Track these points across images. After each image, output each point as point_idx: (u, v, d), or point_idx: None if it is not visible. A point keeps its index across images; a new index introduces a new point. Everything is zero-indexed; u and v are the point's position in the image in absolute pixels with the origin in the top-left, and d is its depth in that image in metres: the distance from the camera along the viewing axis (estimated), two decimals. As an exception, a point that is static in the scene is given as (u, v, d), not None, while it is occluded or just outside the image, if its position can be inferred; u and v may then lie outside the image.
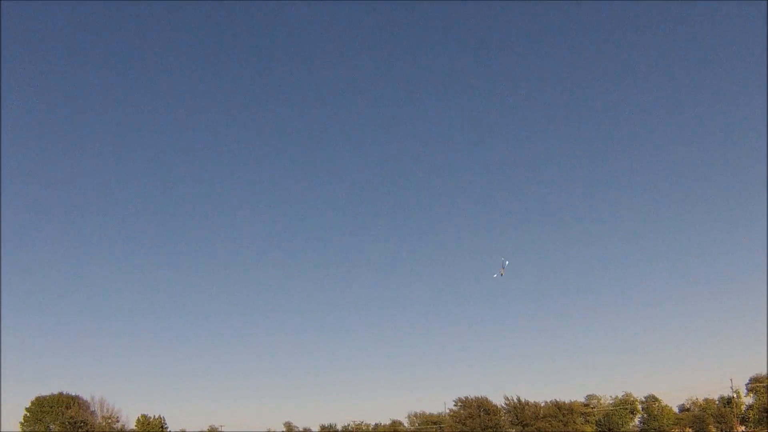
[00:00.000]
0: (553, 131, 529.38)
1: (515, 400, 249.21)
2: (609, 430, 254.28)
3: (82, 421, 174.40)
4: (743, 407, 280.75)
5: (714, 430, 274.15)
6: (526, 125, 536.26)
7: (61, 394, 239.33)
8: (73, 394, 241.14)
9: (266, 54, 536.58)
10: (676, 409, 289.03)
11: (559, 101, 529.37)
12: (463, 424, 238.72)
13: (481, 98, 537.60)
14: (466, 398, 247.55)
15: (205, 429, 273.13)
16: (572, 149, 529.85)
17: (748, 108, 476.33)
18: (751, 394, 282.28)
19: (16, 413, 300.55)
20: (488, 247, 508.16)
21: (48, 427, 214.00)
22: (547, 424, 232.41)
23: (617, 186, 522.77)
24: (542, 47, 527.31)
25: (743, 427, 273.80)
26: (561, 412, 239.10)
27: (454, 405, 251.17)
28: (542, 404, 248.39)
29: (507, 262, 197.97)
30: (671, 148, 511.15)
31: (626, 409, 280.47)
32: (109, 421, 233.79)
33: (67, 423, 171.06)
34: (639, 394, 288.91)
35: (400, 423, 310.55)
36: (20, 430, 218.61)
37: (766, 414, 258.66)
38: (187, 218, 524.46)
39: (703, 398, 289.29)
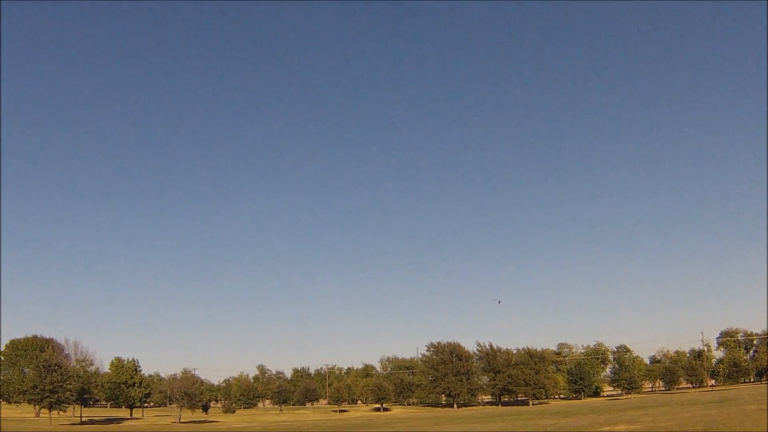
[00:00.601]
0: (553, 131, 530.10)
1: (487, 347, 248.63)
2: (580, 378, 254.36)
3: (56, 364, 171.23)
4: (714, 361, 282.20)
5: (684, 383, 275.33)
6: (526, 125, 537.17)
7: (35, 336, 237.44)
8: (47, 337, 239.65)
9: (266, 54, 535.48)
10: (647, 361, 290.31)
11: (559, 101, 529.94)
12: (436, 369, 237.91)
13: (480, 98, 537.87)
14: (439, 343, 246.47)
15: (179, 372, 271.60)
16: (572, 149, 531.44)
17: (748, 108, 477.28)
18: (722, 348, 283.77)
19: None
20: (464, 199, 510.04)
21: (22, 370, 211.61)
22: (518, 371, 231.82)
23: (605, 165, 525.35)
24: (542, 47, 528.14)
25: (713, 381, 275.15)
26: (533, 359, 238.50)
27: (427, 350, 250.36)
28: (514, 351, 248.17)
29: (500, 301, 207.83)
30: (671, 148, 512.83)
31: (597, 358, 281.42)
32: (83, 363, 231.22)
33: (41, 366, 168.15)
34: (610, 344, 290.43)
35: (373, 367, 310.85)
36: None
37: (735, 369, 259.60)
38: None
39: (674, 350, 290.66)
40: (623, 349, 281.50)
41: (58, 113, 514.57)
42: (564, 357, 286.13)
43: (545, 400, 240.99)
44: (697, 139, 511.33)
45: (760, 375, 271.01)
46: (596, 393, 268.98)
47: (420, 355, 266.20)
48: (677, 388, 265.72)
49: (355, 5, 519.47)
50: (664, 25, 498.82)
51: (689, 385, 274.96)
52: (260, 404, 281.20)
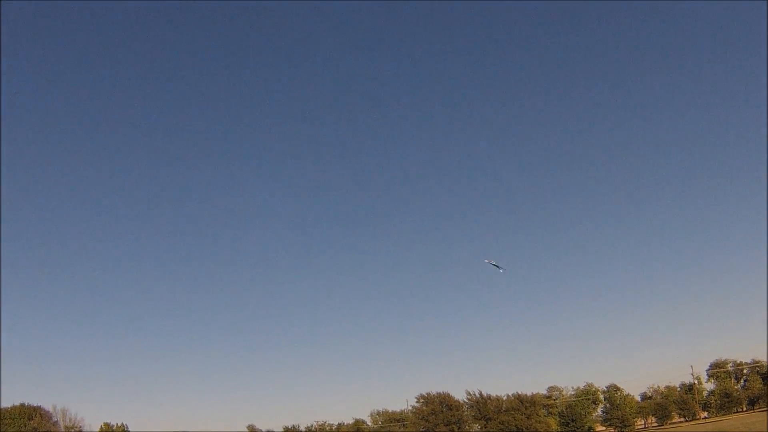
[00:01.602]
0: (552, 131, 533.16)
1: (477, 395, 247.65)
2: (572, 420, 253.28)
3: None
4: (705, 393, 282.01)
5: (677, 417, 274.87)
6: (525, 124, 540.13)
7: (22, 405, 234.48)
8: (35, 404, 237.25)
9: (267, 54, 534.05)
10: (638, 398, 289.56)
11: (559, 100, 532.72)
12: (426, 421, 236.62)
13: (480, 98, 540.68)
14: (428, 394, 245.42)
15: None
16: (571, 148, 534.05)
17: (748, 108, 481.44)
18: (712, 380, 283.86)
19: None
20: (448, 244, 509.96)
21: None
22: (510, 418, 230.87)
23: (595, 185, 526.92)
24: (542, 47, 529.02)
25: (705, 413, 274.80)
26: (523, 404, 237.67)
27: (417, 402, 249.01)
28: (504, 398, 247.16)
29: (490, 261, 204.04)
30: (670, 148, 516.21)
31: (588, 399, 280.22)
32: (72, 430, 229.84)
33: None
34: (601, 383, 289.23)
35: (363, 422, 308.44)
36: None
37: (727, 399, 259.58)
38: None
39: (664, 386, 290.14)
40: (614, 388, 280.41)
41: (59, 112, 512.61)
42: (555, 400, 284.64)
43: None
44: (693, 149, 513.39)
45: (752, 404, 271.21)
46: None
47: (410, 407, 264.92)
48: (670, 423, 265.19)
49: (355, 5, 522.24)
50: (664, 25, 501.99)
51: (682, 419, 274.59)
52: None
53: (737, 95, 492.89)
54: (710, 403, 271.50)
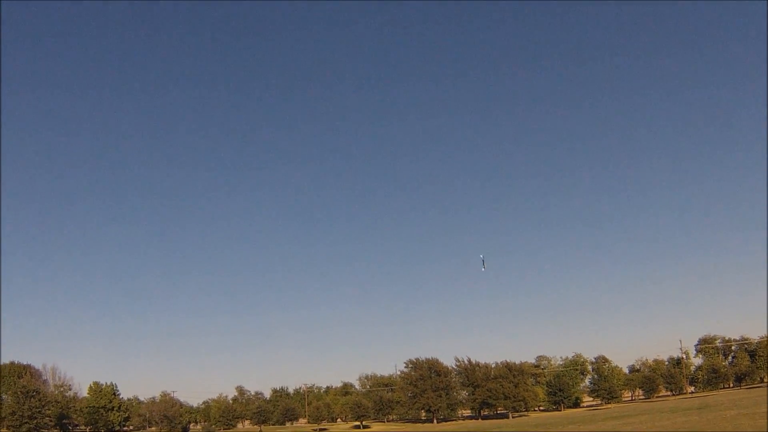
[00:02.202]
0: (552, 131, 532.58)
1: (466, 362, 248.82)
2: (559, 390, 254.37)
3: (34, 390, 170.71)
4: (692, 368, 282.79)
5: (664, 390, 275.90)
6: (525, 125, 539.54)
7: (12, 363, 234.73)
8: (25, 363, 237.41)
9: (266, 54, 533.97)
10: (626, 370, 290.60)
11: (559, 100, 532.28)
12: (414, 386, 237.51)
13: (479, 97, 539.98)
14: (417, 360, 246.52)
15: (158, 395, 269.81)
16: (570, 148, 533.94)
17: (748, 108, 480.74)
18: (700, 355, 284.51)
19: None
20: (441, 213, 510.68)
21: (0, 396, 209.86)
22: (497, 385, 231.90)
23: (588, 165, 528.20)
24: (542, 48, 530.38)
25: (692, 388, 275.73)
26: (511, 373, 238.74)
27: (405, 367, 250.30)
28: (493, 365, 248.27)
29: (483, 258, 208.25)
30: (670, 148, 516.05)
31: (576, 369, 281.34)
32: (62, 389, 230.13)
33: (19, 392, 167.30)
34: (589, 354, 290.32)
35: (352, 385, 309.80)
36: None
37: (714, 375, 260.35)
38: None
39: (652, 359, 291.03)
40: (602, 360, 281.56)
41: (60, 111, 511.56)
42: (543, 369, 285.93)
43: (525, 413, 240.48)
44: (693, 142, 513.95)
45: (739, 380, 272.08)
46: (576, 404, 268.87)
47: (399, 372, 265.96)
48: (657, 396, 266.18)
49: (355, 5, 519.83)
50: (664, 25, 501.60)
51: (669, 393, 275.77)
52: (239, 425, 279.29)
53: (737, 95, 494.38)
54: (697, 378, 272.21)
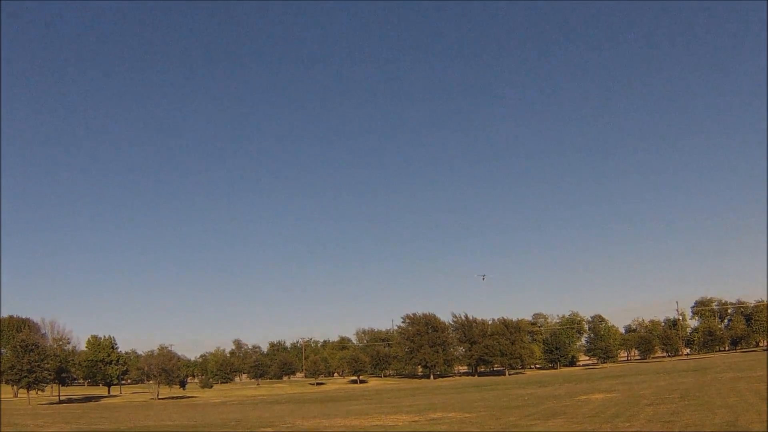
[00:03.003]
0: (552, 131, 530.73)
1: (463, 318, 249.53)
2: (556, 348, 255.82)
3: (33, 344, 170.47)
4: (688, 330, 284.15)
5: (660, 351, 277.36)
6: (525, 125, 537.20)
7: (11, 317, 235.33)
8: (24, 317, 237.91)
9: (266, 55, 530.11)
10: (622, 330, 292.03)
11: (559, 100, 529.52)
12: (411, 341, 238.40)
13: (479, 98, 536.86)
14: (414, 315, 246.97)
15: (155, 348, 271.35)
16: (571, 148, 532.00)
17: (748, 108, 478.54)
18: (697, 318, 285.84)
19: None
20: (438, 172, 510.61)
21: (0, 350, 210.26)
22: (494, 342, 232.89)
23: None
24: (541, 48, 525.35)
25: (688, 350, 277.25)
26: (508, 329, 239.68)
27: (402, 322, 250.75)
28: (490, 322, 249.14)
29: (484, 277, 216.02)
30: (670, 148, 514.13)
31: (573, 328, 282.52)
32: (60, 342, 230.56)
33: (18, 346, 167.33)
34: (586, 313, 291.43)
35: (349, 340, 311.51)
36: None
37: (710, 337, 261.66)
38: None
39: (649, 320, 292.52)
40: (598, 319, 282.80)
41: (58, 113, 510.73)
42: (539, 327, 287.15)
43: (521, 370, 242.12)
44: (686, 126, 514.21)
45: (734, 343, 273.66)
46: (572, 363, 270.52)
47: (396, 327, 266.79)
48: (653, 357, 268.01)
49: (355, 5, 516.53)
50: (664, 25, 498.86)
51: (664, 354, 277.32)
52: (237, 379, 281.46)
53: (737, 95, 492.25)
54: (693, 341, 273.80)
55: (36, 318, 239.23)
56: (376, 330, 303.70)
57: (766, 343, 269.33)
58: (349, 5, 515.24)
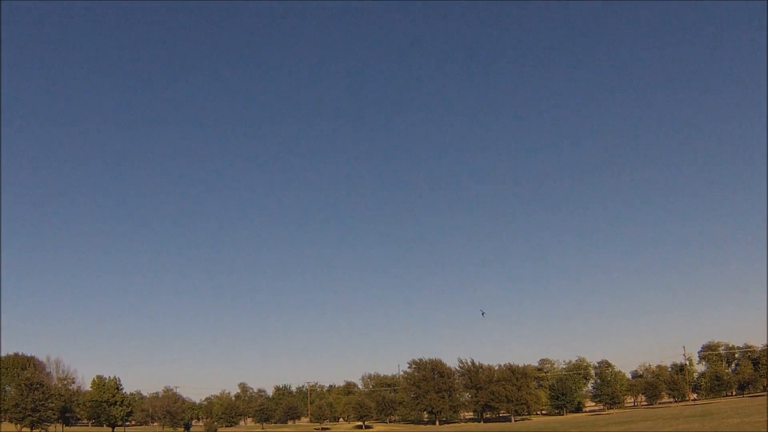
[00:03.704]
0: (552, 131, 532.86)
1: (469, 363, 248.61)
2: (562, 394, 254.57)
3: (38, 382, 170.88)
4: (695, 375, 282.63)
5: (666, 397, 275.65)
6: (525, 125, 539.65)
7: (16, 354, 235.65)
8: (29, 355, 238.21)
9: (267, 55, 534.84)
10: (629, 375, 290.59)
11: (560, 100, 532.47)
12: (417, 387, 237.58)
13: (478, 97, 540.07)
14: (420, 360, 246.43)
15: (161, 390, 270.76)
16: (571, 148, 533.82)
17: (748, 108, 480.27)
18: (704, 362, 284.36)
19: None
20: (445, 218, 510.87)
21: (4, 388, 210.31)
22: (500, 388, 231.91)
23: (594, 174, 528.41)
24: (542, 48, 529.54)
25: (695, 395, 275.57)
26: (514, 375, 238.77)
27: (408, 367, 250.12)
28: (496, 368, 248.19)
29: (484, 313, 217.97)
30: (670, 148, 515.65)
31: (579, 374, 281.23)
32: (65, 382, 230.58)
33: (23, 384, 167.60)
34: (592, 359, 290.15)
35: (354, 384, 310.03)
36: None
37: (717, 382, 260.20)
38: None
39: (656, 365, 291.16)
40: (605, 364, 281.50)
41: (57, 113, 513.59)
42: (546, 373, 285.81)
43: (527, 417, 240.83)
44: (694, 146, 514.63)
45: (742, 388, 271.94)
46: (578, 408, 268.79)
47: (402, 372, 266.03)
48: (659, 403, 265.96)
49: (355, 5, 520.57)
50: (664, 25, 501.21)
51: (671, 399, 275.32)
52: (242, 422, 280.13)
53: (737, 95, 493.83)
54: (700, 385, 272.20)
55: (41, 356, 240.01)
56: (382, 375, 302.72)
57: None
58: (348, 5, 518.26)
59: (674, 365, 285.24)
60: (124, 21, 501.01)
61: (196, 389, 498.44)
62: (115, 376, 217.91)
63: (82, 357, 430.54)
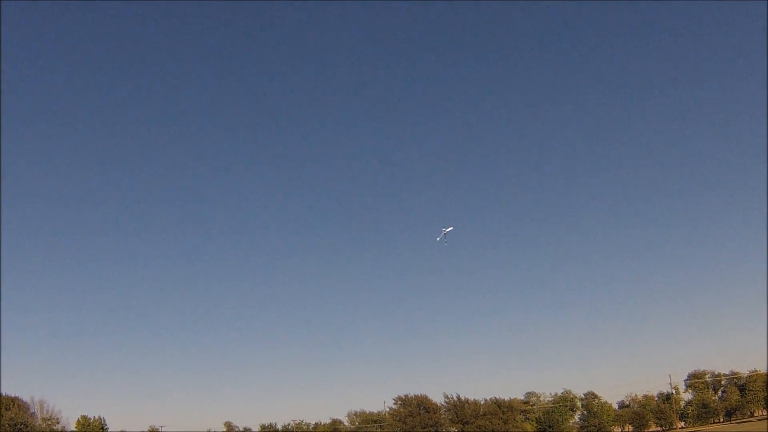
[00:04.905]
0: (553, 131, 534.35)
1: (455, 398, 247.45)
2: (549, 427, 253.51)
3: (22, 423, 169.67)
4: (682, 403, 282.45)
5: (654, 426, 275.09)
6: (525, 126, 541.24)
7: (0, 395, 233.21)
8: (13, 395, 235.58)
9: (266, 55, 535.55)
10: (615, 406, 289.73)
11: (560, 101, 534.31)
12: (404, 423, 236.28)
13: (478, 98, 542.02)
14: (406, 396, 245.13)
15: (146, 430, 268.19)
16: (571, 148, 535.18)
17: (748, 108, 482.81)
18: (690, 390, 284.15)
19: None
20: (433, 250, 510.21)
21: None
22: (487, 422, 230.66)
23: (584, 192, 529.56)
24: (542, 48, 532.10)
25: (682, 423, 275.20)
26: (501, 409, 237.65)
27: (394, 403, 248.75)
28: (482, 402, 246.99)
29: (448, 230, 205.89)
30: (670, 148, 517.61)
31: (566, 406, 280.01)
32: (50, 422, 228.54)
33: (6, 425, 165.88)
34: (578, 391, 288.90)
35: (340, 422, 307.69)
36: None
37: (704, 410, 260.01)
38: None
39: (642, 395, 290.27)
40: (591, 396, 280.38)
41: (60, 112, 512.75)
42: (532, 406, 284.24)
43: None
44: (687, 152, 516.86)
45: (729, 415, 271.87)
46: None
47: (388, 409, 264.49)
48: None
49: (355, 5, 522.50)
50: (664, 25, 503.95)
51: (659, 429, 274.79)
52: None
53: (737, 95, 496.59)
54: (687, 413, 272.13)
55: (25, 397, 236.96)
56: (368, 412, 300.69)
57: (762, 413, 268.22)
58: (349, 5, 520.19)
59: (661, 394, 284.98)
60: (125, 21, 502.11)
61: (181, 428, 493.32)
62: (99, 416, 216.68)
63: (67, 397, 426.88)
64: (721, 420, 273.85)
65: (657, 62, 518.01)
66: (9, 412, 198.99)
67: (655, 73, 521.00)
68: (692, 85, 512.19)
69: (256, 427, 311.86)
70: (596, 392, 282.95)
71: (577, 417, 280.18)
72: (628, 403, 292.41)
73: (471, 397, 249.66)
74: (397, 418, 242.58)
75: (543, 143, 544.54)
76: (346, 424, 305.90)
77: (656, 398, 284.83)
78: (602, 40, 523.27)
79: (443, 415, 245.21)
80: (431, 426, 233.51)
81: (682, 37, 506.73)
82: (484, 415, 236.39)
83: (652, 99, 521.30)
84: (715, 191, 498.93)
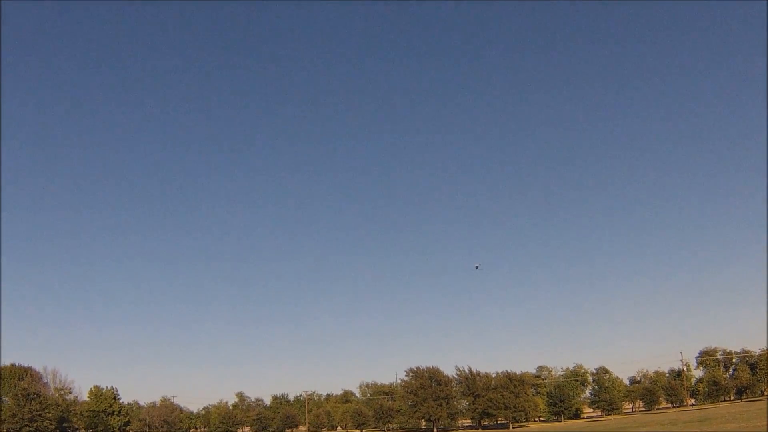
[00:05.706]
0: (553, 131, 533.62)
1: (466, 371, 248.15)
2: (560, 401, 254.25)
3: (35, 393, 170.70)
4: (693, 380, 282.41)
5: (664, 402, 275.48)
6: (525, 126, 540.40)
7: (13, 365, 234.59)
8: (26, 365, 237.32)
9: (266, 54, 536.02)
10: (626, 382, 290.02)
11: (560, 101, 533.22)
12: (415, 395, 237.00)
13: (478, 98, 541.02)
14: (418, 368, 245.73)
15: (158, 400, 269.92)
16: (571, 148, 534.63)
17: (748, 108, 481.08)
18: (701, 368, 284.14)
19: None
20: (445, 225, 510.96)
21: (1, 398, 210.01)
22: (498, 395, 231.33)
23: (590, 179, 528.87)
24: (542, 48, 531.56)
25: (693, 400, 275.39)
26: (512, 383, 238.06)
27: (406, 375, 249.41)
28: (493, 375, 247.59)
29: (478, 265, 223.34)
30: (670, 148, 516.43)
31: (577, 380, 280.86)
32: (62, 392, 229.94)
33: (20, 395, 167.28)
34: (590, 365, 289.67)
35: (352, 393, 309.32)
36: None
37: (715, 387, 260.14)
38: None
39: (653, 371, 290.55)
40: (602, 371, 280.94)
41: (60, 112, 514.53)
42: (543, 380, 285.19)
43: (525, 423, 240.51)
44: (692, 147, 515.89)
45: (739, 393, 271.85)
46: (576, 415, 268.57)
47: (399, 381, 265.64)
48: (657, 408, 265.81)
49: (355, 5, 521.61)
50: (664, 25, 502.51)
51: (669, 405, 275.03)
52: (239, 431, 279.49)
53: (737, 95, 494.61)
54: (698, 391, 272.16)
55: (38, 367, 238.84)
56: (379, 383, 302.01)
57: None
58: (349, 5, 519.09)
59: (672, 371, 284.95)
60: (124, 21, 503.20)
61: (193, 399, 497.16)
62: (112, 386, 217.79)
63: (79, 367, 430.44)
64: (732, 398, 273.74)
65: (657, 62, 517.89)
66: (22, 382, 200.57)
67: (655, 73, 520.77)
68: (692, 85, 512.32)
69: (268, 398, 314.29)
70: (608, 367, 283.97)
71: (588, 392, 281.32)
72: (639, 379, 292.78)
73: (483, 370, 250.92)
74: (409, 390, 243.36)
75: (543, 143, 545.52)
76: (357, 395, 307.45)
77: (667, 375, 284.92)
78: (602, 40, 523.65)
79: (454, 388, 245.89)
80: (442, 398, 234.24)
81: (683, 36, 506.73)
82: (496, 388, 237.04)
83: (652, 99, 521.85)
84: (729, 171, 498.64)
